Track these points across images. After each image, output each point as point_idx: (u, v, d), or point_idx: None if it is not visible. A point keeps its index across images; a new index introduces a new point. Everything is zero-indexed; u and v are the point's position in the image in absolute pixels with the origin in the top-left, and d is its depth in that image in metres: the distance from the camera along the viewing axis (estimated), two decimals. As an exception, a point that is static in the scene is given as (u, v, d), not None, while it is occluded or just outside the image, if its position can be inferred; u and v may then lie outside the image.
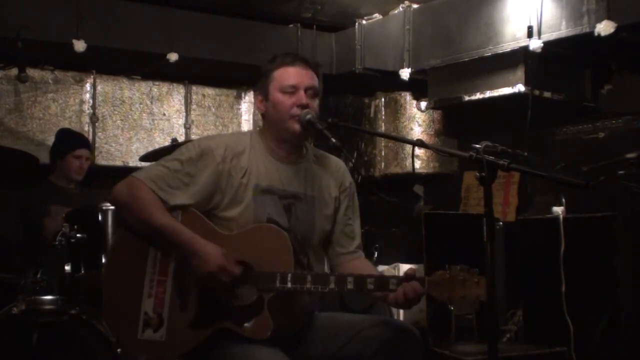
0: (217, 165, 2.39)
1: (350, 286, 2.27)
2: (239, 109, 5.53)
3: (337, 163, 2.63)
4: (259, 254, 2.32)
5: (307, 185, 2.50)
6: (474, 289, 2.20)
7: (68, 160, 4.25)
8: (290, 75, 2.44)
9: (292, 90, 2.42)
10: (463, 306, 2.24)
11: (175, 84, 5.31)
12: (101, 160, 5.01)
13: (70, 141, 4.35)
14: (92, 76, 5.01)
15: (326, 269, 2.66)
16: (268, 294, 2.28)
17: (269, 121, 2.49)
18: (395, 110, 5.45)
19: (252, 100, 5.41)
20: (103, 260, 3.27)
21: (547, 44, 4.14)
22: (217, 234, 2.36)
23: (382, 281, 2.27)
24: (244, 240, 2.34)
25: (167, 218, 2.33)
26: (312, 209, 2.49)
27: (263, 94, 2.48)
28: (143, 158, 4.40)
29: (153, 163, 2.47)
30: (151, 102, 5.22)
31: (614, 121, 4.33)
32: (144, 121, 5.18)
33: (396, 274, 4.68)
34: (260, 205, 2.39)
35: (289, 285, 2.27)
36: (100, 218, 3.42)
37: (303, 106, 2.41)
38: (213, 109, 5.45)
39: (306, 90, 2.43)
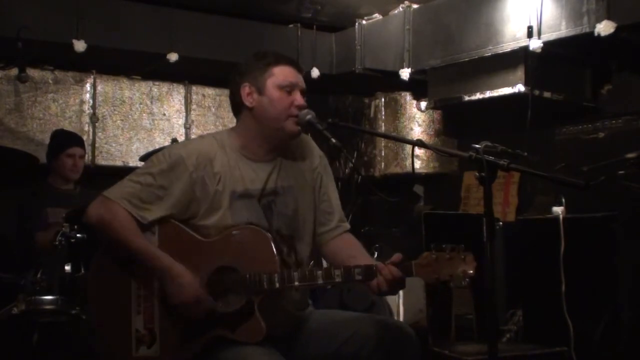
0: (190, 174, 2.34)
1: (338, 279, 2.24)
2: (239, 109, 5.52)
3: (304, 140, 2.56)
4: (242, 257, 2.29)
5: (284, 177, 2.46)
6: (461, 265, 2.17)
7: (62, 160, 4.25)
8: (290, 74, 2.42)
9: (290, 89, 2.39)
10: (454, 283, 2.21)
11: (175, 84, 5.31)
12: (101, 160, 5.00)
13: (63, 140, 4.35)
14: (92, 76, 5.01)
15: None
16: (257, 296, 2.26)
17: (260, 116, 2.40)
18: (395, 110, 5.45)
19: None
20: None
21: (547, 44, 4.13)
22: (197, 242, 2.33)
23: (370, 270, 2.24)
24: (227, 244, 2.32)
25: (143, 242, 2.31)
26: (293, 201, 2.45)
27: (256, 87, 2.40)
28: (143, 158, 4.39)
29: (125, 178, 2.39)
30: (151, 102, 5.21)
31: (614, 121, 4.33)
32: (144, 121, 5.18)
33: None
34: (237, 211, 2.35)
35: (277, 285, 2.25)
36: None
37: (301, 107, 2.39)
38: (213, 109, 5.44)
39: (301, 92, 2.42)
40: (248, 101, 2.41)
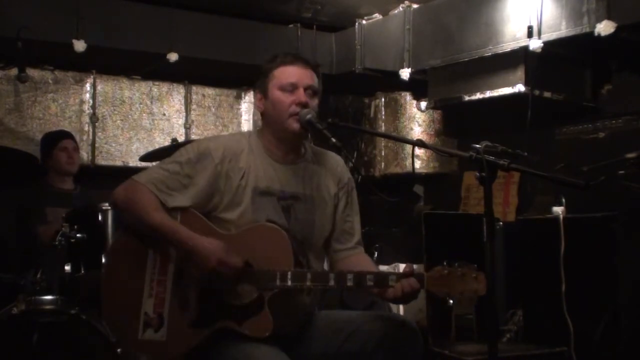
0: (215, 166, 2.39)
1: (350, 283, 2.26)
2: (239, 109, 5.53)
3: (335, 159, 2.62)
4: (259, 253, 2.32)
5: (306, 184, 2.50)
6: (473, 284, 2.19)
7: (56, 155, 4.26)
8: (290, 73, 2.44)
9: (292, 88, 2.42)
10: (462, 301, 2.23)
11: (175, 84, 5.31)
12: (101, 160, 5.00)
13: (52, 137, 4.38)
14: (92, 76, 5.01)
15: (325, 266, 2.66)
16: (268, 292, 2.28)
17: (268, 120, 2.49)
18: (395, 110, 5.45)
19: (252, 100, 5.40)
20: (103, 261, 3.26)
21: (547, 44, 4.13)
22: (216, 234, 2.36)
23: (382, 278, 2.27)
24: (243, 239, 2.34)
25: (166, 218, 2.35)
26: (311, 209, 2.49)
27: (262, 92, 2.49)
28: (143, 158, 4.39)
29: (152, 165, 2.49)
30: (151, 102, 5.22)
31: (614, 121, 4.33)
32: (144, 121, 5.18)
33: (396, 274, 4.67)
34: (258, 207, 2.39)
35: (289, 283, 2.27)
36: (100, 218, 3.42)
37: (302, 105, 2.41)
38: (213, 109, 5.45)
39: (305, 89, 2.44)
40: (259, 107, 2.52)
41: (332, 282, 2.28)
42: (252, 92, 5.39)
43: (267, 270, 2.29)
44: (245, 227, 2.36)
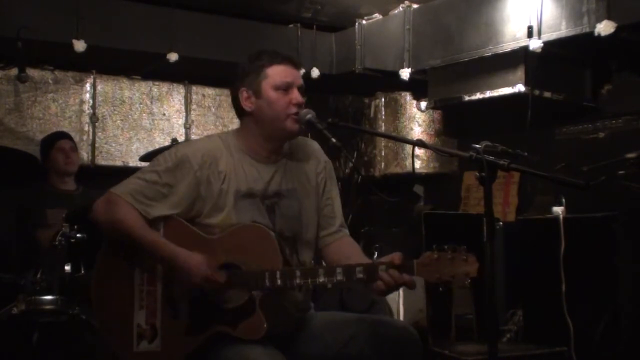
0: (195, 173, 2.36)
1: (339, 277, 2.23)
2: (239, 109, 5.52)
3: (310, 146, 2.58)
4: (246, 254, 2.30)
5: (288, 180, 2.47)
6: (464, 266, 2.16)
7: (54, 156, 4.26)
8: (285, 73, 2.41)
9: (286, 87, 2.39)
10: (455, 284, 2.21)
11: (175, 84, 5.31)
12: (101, 160, 5.00)
13: (50, 139, 4.38)
14: (92, 76, 5.01)
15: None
16: (259, 293, 2.27)
17: (261, 119, 2.42)
18: (395, 110, 5.45)
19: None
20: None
21: (547, 44, 4.13)
22: (202, 238, 2.34)
23: (371, 269, 2.23)
24: (230, 241, 2.33)
25: (148, 232, 2.33)
26: (296, 203, 2.46)
27: (253, 91, 2.42)
28: (143, 158, 4.40)
29: (131, 176, 2.43)
30: (151, 102, 5.21)
31: (614, 121, 4.33)
32: (144, 121, 5.18)
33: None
34: (241, 210, 2.36)
35: (279, 282, 2.25)
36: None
37: (299, 105, 2.40)
38: (213, 109, 5.44)
39: (298, 89, 2.42)
40: (247, 106, 2.43)
41: (322, 278, 2.25)
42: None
43: (256, 271, 2.27)
44: (230, 229, 2.34)
